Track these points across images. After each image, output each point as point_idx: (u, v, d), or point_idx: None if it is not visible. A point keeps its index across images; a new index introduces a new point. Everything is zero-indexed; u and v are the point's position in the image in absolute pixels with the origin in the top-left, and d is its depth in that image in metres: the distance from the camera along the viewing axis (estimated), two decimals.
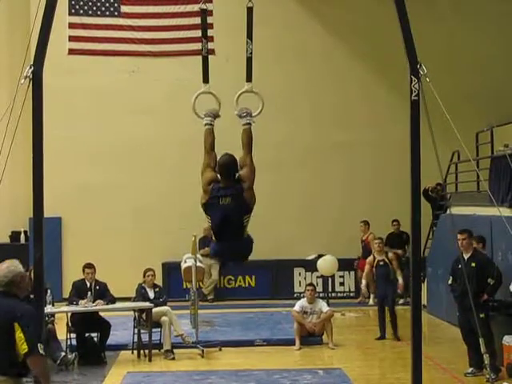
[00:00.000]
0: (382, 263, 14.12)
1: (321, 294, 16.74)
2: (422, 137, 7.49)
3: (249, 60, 7.36)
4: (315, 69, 19.75)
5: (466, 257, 11.18)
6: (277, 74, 18.56)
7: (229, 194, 6.72)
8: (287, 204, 19.38)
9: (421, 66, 7.44)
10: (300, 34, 19.67)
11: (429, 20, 17.30)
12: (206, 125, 7.08)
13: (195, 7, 18.49)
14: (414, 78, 7.42)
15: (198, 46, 18.53)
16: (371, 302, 17.38)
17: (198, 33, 18.54)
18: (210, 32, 18.30)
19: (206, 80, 7.42)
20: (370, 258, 14.42)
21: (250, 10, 7.38)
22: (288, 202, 19.38)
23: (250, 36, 7.35)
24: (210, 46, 17.77)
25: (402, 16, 7.46)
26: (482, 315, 10.59)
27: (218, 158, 6.89)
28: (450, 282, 11.49)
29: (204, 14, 7.74)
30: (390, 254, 14.35)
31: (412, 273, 7.59)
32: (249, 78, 7.37)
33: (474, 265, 11.10)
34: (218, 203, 6.74)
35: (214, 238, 6.95)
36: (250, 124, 6.98)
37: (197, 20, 18.48)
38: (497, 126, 16.52)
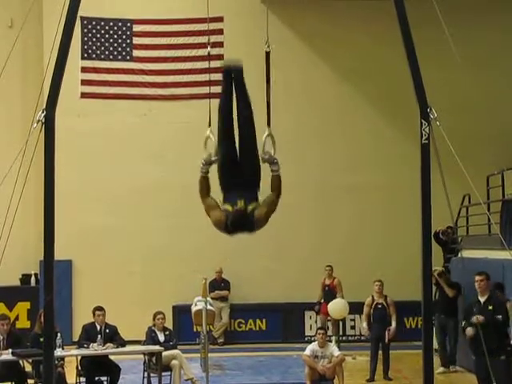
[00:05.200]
0: (380, 306, 14.22)
1: (331, 338, 16.64)
2: (433, 180, 7.48)
3: (268, 104, 7.45)
4: (326, 112, 19.82)
5: (482, 300, 11.07)
6: (287, 117, 18.60)
7: None
8: (296, 247, 19.32)
9: (431, 109, 7.46)
10: (311, 77, 19.78)
11: (439, 64, 17.35)
12: (202, 173, 7.34)
13: (207, 51, 18.68)
14: (424, 121, 7.45)
15: (207, 89, 18.83)
16: None
17: (208, 77, 18.79)
18: (220, 76, 18.66)
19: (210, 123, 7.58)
20: (369, 300, 14.42)
21: (267, 55, 7.53)
22: (297, 244, 19.32)
23: (268, 80, 7.46)
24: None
25: (411, 61, 7.51)
26: (502, 357, 10.50)
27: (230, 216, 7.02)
28: (463, 324, 11.34)
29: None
30: (389, 299, 14.33)
31: (423, 316, 7.53)
32: (268, 123, 7.47)
33: (490, 308, 10.98)
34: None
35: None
36: (278, 171, 7.27)
37: (207, 64, 18.66)
38: (507, 169, 16.51)
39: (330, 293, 17.64)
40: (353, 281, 18.38)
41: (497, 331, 10.77)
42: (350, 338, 18.75)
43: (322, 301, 17.70)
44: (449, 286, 14.71)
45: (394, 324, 14.12)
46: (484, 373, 10.59)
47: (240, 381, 14.04)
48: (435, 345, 14.41)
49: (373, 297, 14.42)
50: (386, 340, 14.00)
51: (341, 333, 18.40)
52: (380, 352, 14.18)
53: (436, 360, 12.99)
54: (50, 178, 7.27)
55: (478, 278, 11.07)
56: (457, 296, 14.61)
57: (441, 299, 14.97)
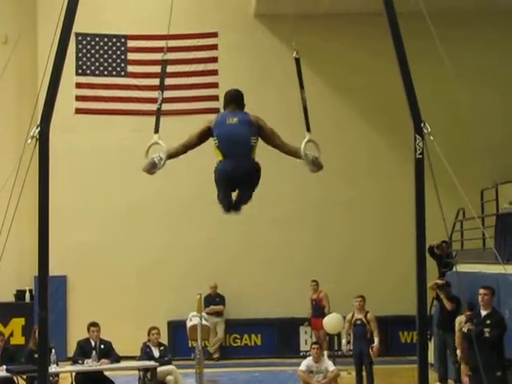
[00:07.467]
0: (359, 322, 13.92)
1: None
2: (427, 194, 7.48)
3: (305, 110, 7.53)
4: (320, 126, 19.63)
5: (483, 313, 11.07)
6: (282, 131, 18.58)
7: (236, 116, 7.07)
8: (292, 262, 19.28)
9: (425, 124, 7.48)
10: (306, 91, 19.75)
11: (433, 78, 17.40)
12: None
13: (200, 67, 18.75)
14: (417, 136, 7.46)
15: (202, 104, 18.89)
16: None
17: (202, 92, 18.84)
18: (215, 91, 18.72)
19: (156, 130, 7.70)
20: (349, 316, 14.25)
21: (297, 61, 7.67)
22: (292, 259, 19.29)
23: (301, 86, 7.57)
24: (216, 104, 18.07)
25: (405, 76, 7.53)
26: (498, 373, 10.47)
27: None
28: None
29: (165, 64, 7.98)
30: (370, 315, 14.05)
31: (418, 330, 7.52)
32: (308, 128, 7.56)
33: (489, 322, 10.96)
34: (225, 122, 7.04)
35: (220, 158, 7.06)
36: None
37: (202, 79, 18.73)
38: (501, 183, 16.53)
39: (316, 307, 17.83)
40: (348, 295, 18.28)
41: (492, 346, 10.76)
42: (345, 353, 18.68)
43: (311, 316, 17.80)
44: (448, 299, 14.55)
45: (376, 341, 13.68)
46: None
47: None
48: (431, 359, 14.42)
49: (353, 312, 14.26)
50: (372, 358, 13.67)
51: (336, 347, 18.35)
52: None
53: (433, 375, 13.00)
54: (45, 194, 7.25)
55: (482, 291, 11.11)
56: (455, 310, 14.42)
57: (440, 313, 14.86)
